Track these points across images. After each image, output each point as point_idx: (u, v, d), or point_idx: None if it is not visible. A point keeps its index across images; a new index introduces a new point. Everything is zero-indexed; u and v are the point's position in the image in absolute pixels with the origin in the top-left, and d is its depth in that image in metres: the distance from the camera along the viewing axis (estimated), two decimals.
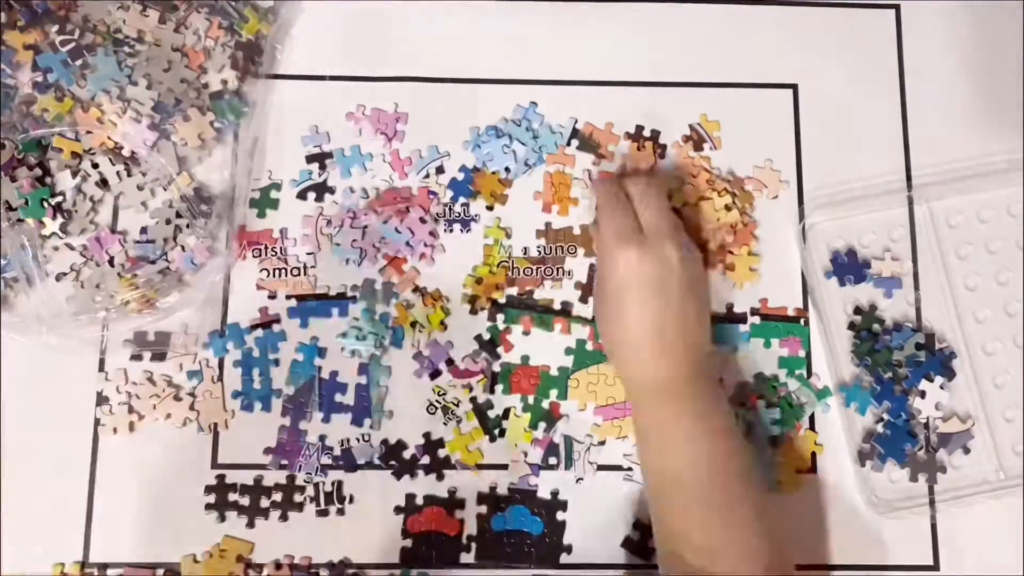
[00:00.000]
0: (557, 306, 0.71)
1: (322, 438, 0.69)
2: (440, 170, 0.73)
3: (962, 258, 0.73)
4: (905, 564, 0.68)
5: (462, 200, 0.73)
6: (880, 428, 0.70)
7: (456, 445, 0.69)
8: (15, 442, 0.68)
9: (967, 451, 0.70)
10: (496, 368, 0.70)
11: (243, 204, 0.71)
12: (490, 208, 0.73)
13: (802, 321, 0.72)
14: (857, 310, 0.72)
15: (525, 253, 0.72)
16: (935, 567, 0.68)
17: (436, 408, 0.70)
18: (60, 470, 0.68)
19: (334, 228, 0.72)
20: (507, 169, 0.73)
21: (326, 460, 0.69)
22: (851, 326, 0.72)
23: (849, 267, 0.72)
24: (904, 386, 0.70)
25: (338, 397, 0.70)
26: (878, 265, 0.72)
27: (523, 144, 0.73)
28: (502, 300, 0.71)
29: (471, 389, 0.70)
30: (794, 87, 0.75)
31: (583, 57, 0.76)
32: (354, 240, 0.71)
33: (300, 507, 0.68)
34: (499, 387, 0.70)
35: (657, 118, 0.75)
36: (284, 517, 0.68)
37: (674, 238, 0.64)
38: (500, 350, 0.71)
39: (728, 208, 0.72)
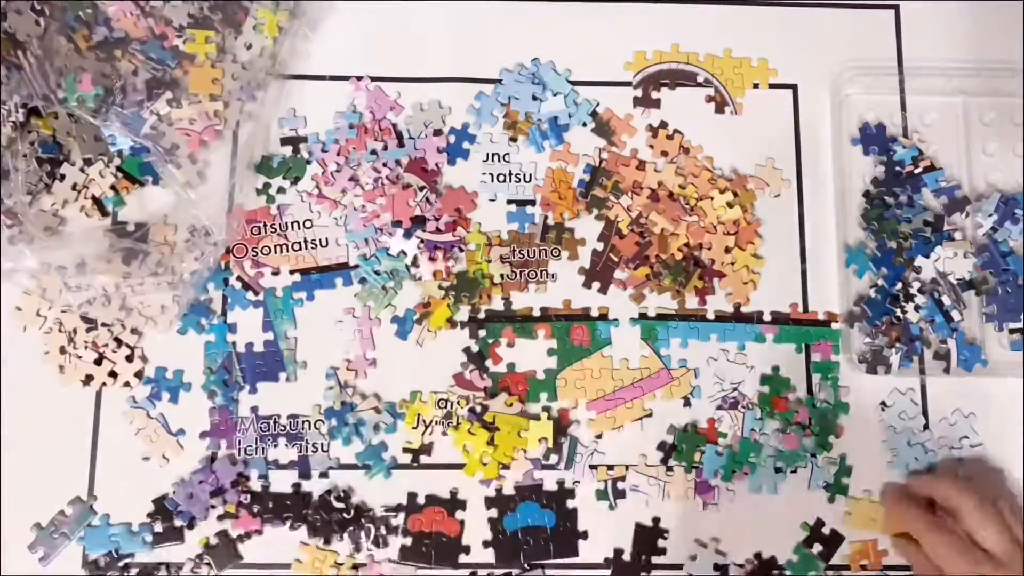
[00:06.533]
0: (536, 312, 0.71)
1: (254, 409, 0.69)
2: (437, 132, 0.74)
3: (989, 155, 0.75)
4: None
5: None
6: (872, 293, 0.71)
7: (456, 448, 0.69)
8: (16, 441, 0.68)
9: (953, 331, 0.71)
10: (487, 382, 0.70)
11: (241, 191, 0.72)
12: (513, 140, 0.73)
13: (832, 325, 0.72)
14: (875, 181, 0.73)
15: (511, 255, 0.72)
16: None
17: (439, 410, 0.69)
18: (61, 475, 0.68)
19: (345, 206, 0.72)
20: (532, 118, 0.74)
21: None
22: (866, 194, 0.73)
23: (876, 139, 0.74)
24: (905, 257, 0.71)
25: (259, 368, 0.70)
26: (904, 144, 0.74)
27: (555, 95, 0.74)
28: (481, 316, 0.71)
29: (469, 401, 0.70)
30: (794, 87, 0.76)
31: (581, 57, 0.75)
32: (363, 226, 0.72)
33: (306, 520, 0.68)
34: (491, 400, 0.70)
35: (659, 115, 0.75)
36: (294, 527, 0.68)
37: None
38: (489, 363, 0.70)
39: (730, 205, 0.72)
